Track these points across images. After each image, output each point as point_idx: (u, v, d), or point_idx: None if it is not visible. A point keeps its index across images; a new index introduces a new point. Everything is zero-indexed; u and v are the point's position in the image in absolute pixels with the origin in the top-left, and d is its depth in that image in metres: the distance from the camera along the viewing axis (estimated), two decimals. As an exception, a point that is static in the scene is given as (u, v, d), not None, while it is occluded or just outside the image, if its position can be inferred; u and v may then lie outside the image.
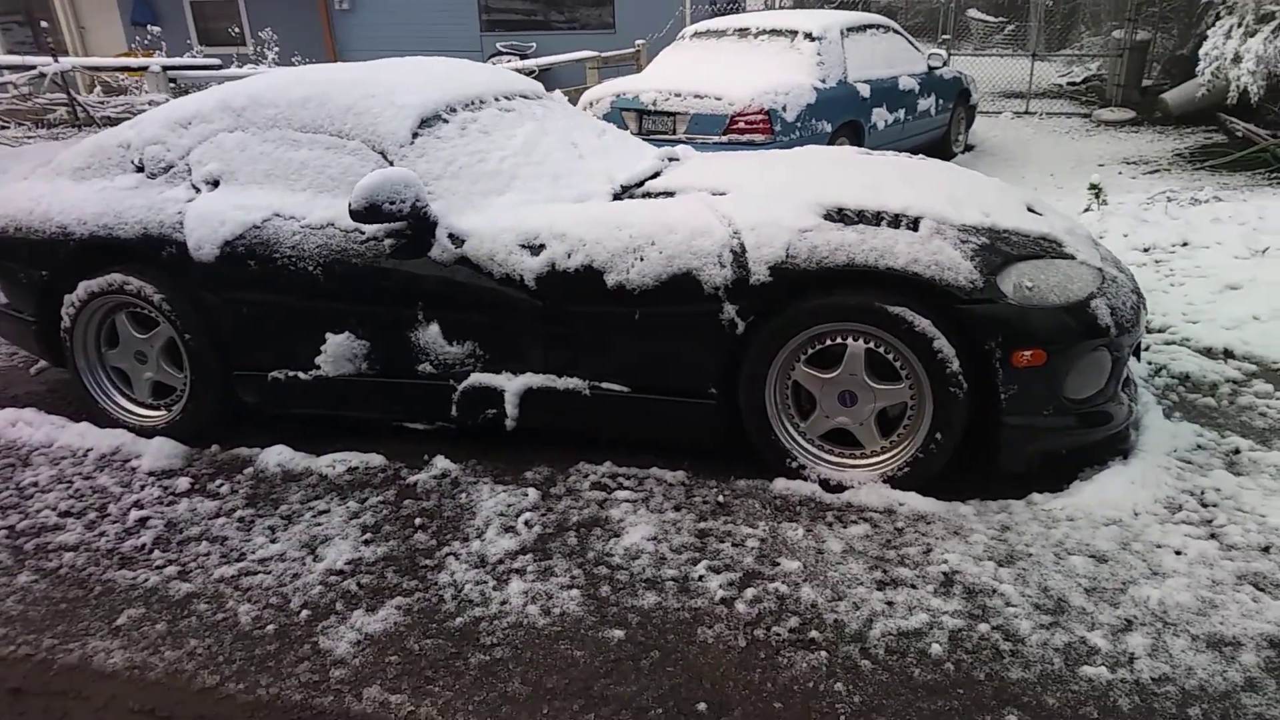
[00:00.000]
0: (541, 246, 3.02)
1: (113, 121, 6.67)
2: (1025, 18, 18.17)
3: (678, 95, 7.08)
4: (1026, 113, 12.60)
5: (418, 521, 2.92)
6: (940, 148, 9.51)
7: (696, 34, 8.38)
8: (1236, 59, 7.04)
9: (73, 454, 3.47)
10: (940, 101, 9.28)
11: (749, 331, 2.87)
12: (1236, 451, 3.13)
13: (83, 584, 2.71)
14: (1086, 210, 6.41)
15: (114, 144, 3.56)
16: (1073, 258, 2.97)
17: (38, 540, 2.95)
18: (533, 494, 3.01)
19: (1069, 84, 15.00)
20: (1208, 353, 3.93)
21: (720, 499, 2.94)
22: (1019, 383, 2.73)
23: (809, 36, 7.67)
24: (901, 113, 8.46)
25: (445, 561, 2.71)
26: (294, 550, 2.81)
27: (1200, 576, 2.44)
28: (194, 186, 3.37)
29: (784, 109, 6.94)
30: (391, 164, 3.21)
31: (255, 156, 3.34)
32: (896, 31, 8.98)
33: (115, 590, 2.67)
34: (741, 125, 6.85)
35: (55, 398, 4.02)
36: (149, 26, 12.55)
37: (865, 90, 7.86)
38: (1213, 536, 2.62)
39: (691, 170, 3.64)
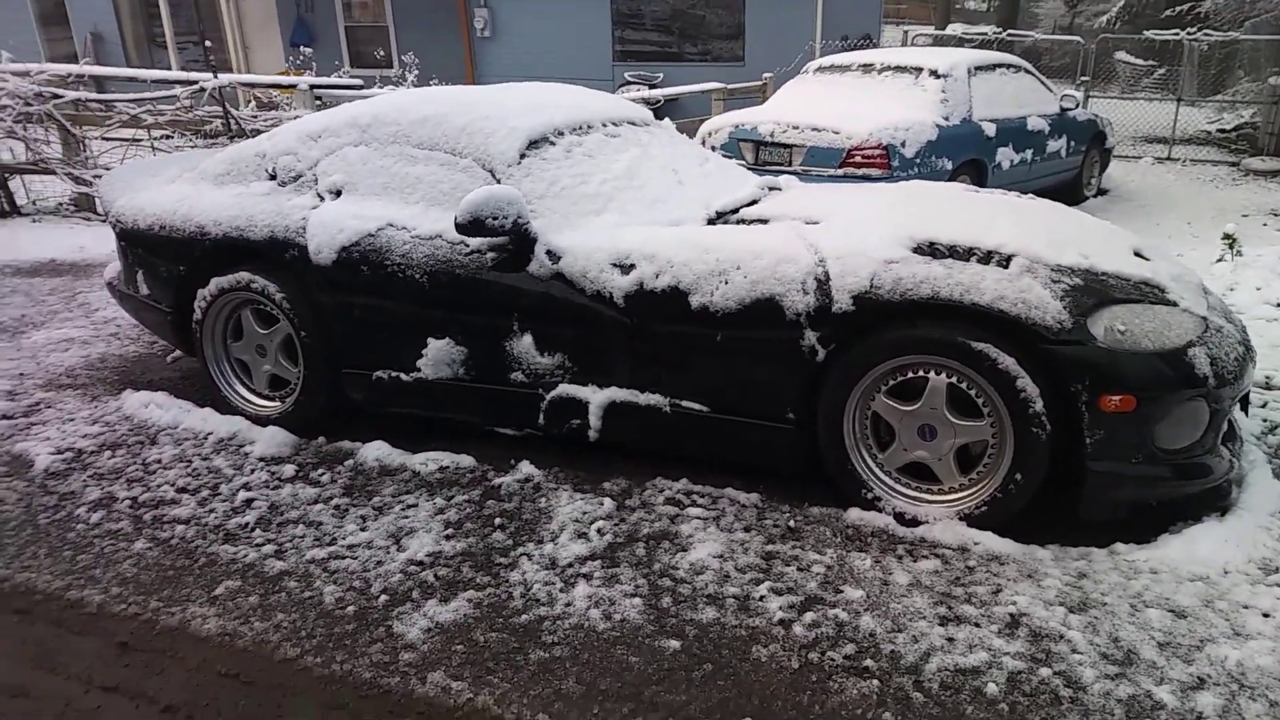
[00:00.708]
0: (632, 266, 3.12)
1: (261, 134, 7.16)
2: (1177, 62, 17.46)
3: (795, 128, 7.12)
4: (1169, 159, 12.08)
5: (498, 521, 3.04)
6: (1071, 191, 9.23)
7: (821, 69, 8.41)
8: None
9: (195, 436, 3.75)
10: (1072, 143, 9.01)
11: (830, 359, 2.90)
12: (1350, 518, 2.95)
13: (190, 554, 2.93)
14: (1219, 261, 6.13)
15: (252, 153, 3.86)
16: (1175, 304, 2.89)
17: (155, 512, 3.20)
18: (608, 503, 3.09)
19: (1219, 131, 14.31)
20: (1330, 412, 3.72)
21: (791, 524, 2.96)
22: (1106, 428, 2.66)
23: (934, 74, 7.60)
24: (1029, 153, 8.25)
25: (518, 561, 2.82)
26: (380, 539, 2.97)
27: (1287, 642, 2.32)
28: (319, 195, 3.61)
29: (903, 145, 6.89)
30: (499, 182, 3.38)
31: (375, 169, 3.56)
32: (1028, 71, 8.79)
33: (217, 563, 2.88)
34: (859, 159, 6.84)
35: (186, 384, 4.34)
36: (302, 48, 13.37)
37: (991, 129, 7.72)
38: (1308, 602, 2.49)
39: (789, 199, 3.69)
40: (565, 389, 3.30)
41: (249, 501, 3.24)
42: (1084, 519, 2.80)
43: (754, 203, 3.71)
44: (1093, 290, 2.79)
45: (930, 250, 2.89)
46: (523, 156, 3.42)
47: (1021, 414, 2.70)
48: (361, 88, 7.71)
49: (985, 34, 16.83)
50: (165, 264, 3.83)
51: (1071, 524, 2.86)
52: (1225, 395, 2.76)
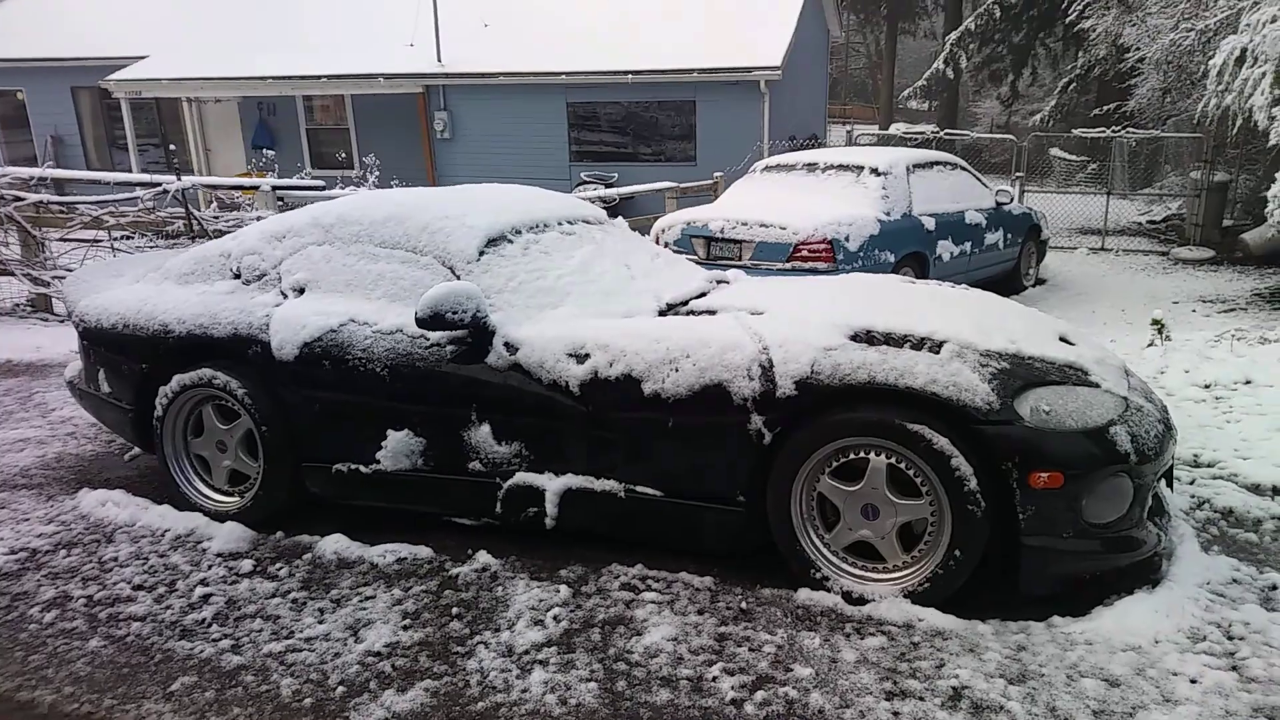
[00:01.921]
0: (586, 355, 3.25)
1: (223, 234, 7.29)
2: (1107, 157, 18.36)
3: (744, 224, 7.41)
4: (1102, 249, 12.63)
5: (455, 611, 3.08)
6: (1010, 281, 9.62)
7: (767, 168, 8.79)
8: (1305, 202, 7.06)
9: (152, 534, 3.76)
10: (1009, 236, 9.43)
11: (776, 442, 3.02)
12: (1274, 588, 3.10)
13: (145, 651, 2.93)
14: (1150, 346, 6.41)
15: (216, 253, 3.97)
16: (1097, 385, 3.07)
17: (111, 610, 3.19)
18: (564, 591, 3.15)
19: (1149, 222, 15.00)
20: (1255, 489, 3.90)
21: (744, 605, 3.03)
22: (1037, 504, 2.81)
23: (875, 171, 7.98)
24: (968, 245, 8.63)
25: (475, 650, 2.86)
26: (338, 631, 3.00)
27: (1214, 706, 2.43)
28: (283, 293, 3.73)
29: (847, 239, 7.19)
30: (459, 278, 3.52)
31: (338, 268, 3.69)
32: (964, 169, 9.25)
33: (173, 659, 2.88)
34: (805, 253, 7.12)
35: (143, 482, 4.35)
36: (264, 150, 13.64)
37: (930, 223, 8.08)
38: (1234, 668, 2.61)
39: (736, 292, 3.87)
40: (522, 477, 3.39)
41: (206, 597, 3.25)
42: (1023, 593, 2.91)
43: (702, 295, 3.88)
44: (1019, 373, 2.97)
45: (867, 338, 3.06)
46: (481, 254, 3.57)
47: (957, 492, 2.83)
48: (323, 189, 7.90)
49: (924, 133, 17.64)
50: (127, 362, 3.90)
51: (1011, 599, 2.97)
52: (1147, 471, 2.92)
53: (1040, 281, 10.39)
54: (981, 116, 39.12)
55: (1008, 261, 9.60)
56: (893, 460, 2.93)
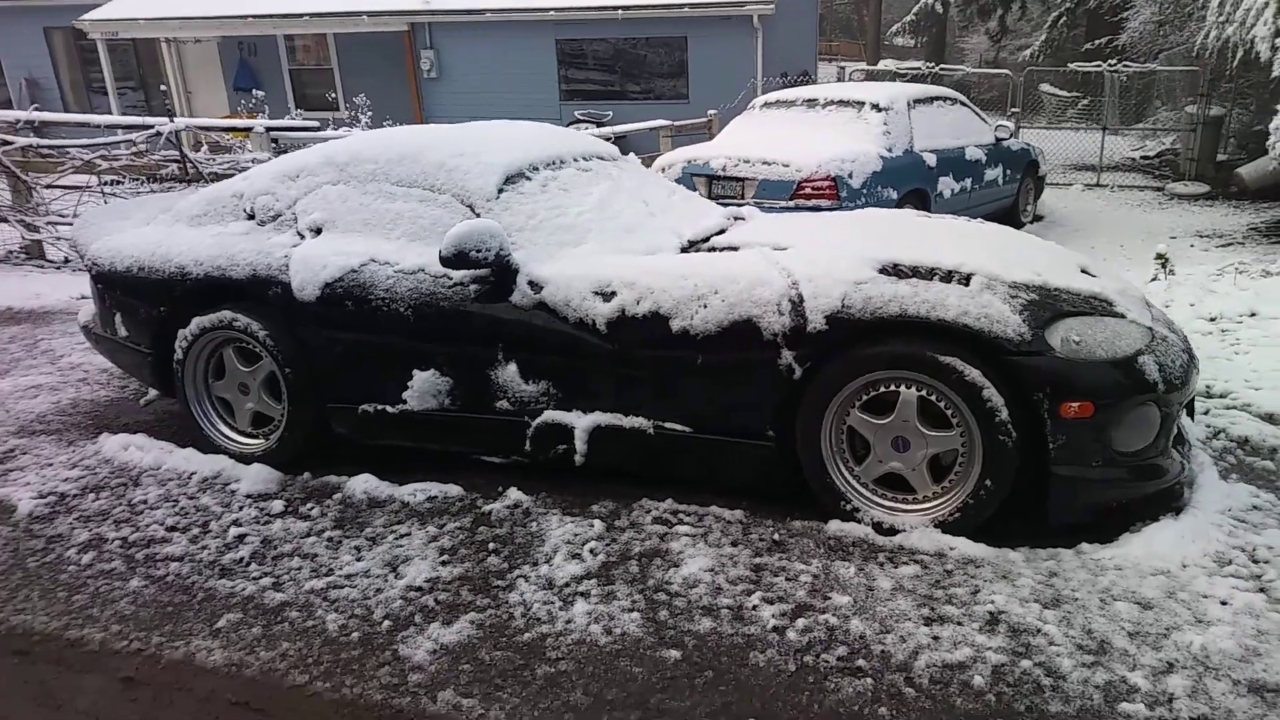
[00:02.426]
0: (613, 293, 3.25)
1: (219, 177, 7.18)
2: (1099, 93, 18.25)
3: (746, 162, 7.35)
4: (1098, 185, 12.63)
5: (491, 546, 3.12)
6: (1009, 217, 9.61)
7: (766, 104, 8.69)
8: (1308, 133, 7.06)
9: (178, 476, 3.77)
10: (1008, 172, 9.41)
11: (806, 377, 3.04)
12: (1292, 512, 3.17)
13: (187, 590, 2.96)
14: (1153, 280, 6.45)
15: (228, 194, 3.92)
16: (1123, 316, 3.09)
17: (148, 551, 3.22)
18: (598, 525, 3.19)
19: (1142, 158, 14.99)
20: (1269, 418, 3.96)
21: (776, 537, 3.08)
22: (1067, 434, 2.85)
23: (876, 107, 7.90)
24: (968, 182, 8.60)
25: (516, 583, 2.90)
26: (377, 568, 3.03)
27: (1245, 626, 2.50)
28: (299, 233, 3.69)
29: (850, 176, 7.15)
30: (478, 216, 3.49)
31: (355, 207, 3.65)
32: (964, 104, 9.18)
33: (216, 597, 2.91)
34: (809, 190, 7.07)
35: (163, 426, 4.34)
36: (254, 91, 13.39)
37: (931, 160, 8.04)
38: (1261, 590, 2.68)
39: (755, 228, 3.86)
40: (551, 415, 3.40)
41: (241, 537, 3.28)
42: (1051, 522, 2.97)
43: (721, 232, 3.87)
44: (1047, 305, 2.99)
45: (894, 271, 3.07)
46: (500, 191, 3.54)
47: (988, 423, 2.86)
48: (317, 129, 7.78)
49: (917, 68, 17.47)
50: (144, 305, 3.87)
51: (1038, 528, 3.02)
52: (1173, 400, 2.96)
53: (1038, 218, 10.39)
54: (969, 52, 38.65)
55: (1007, 198, 9.59)
56: (923, 393, 2.95)
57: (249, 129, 7.44)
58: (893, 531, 3.04)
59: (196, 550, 3.21)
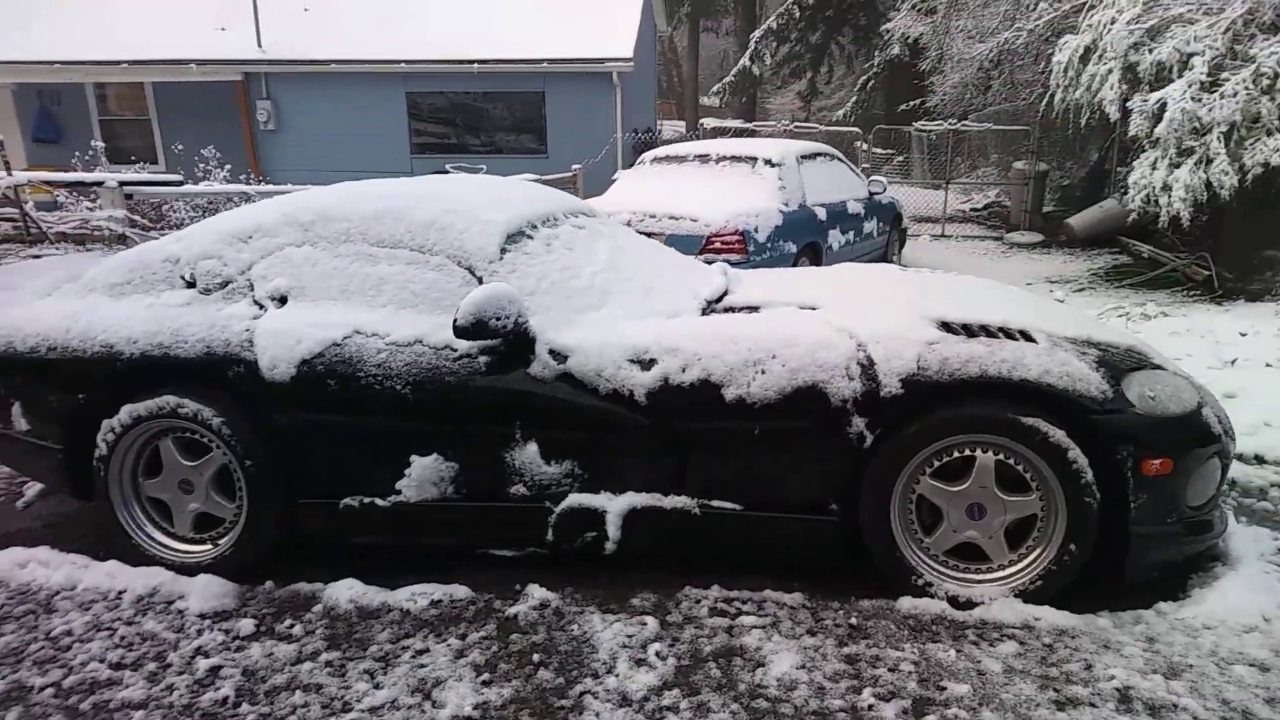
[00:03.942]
0: (653, 361, 2.93)
1: (67, 238, 6.31)
2: (909, 150, 19.49)
3: (653, 216, 7.18)
4: (943, 235, 13.32)
5: (535, 658, 2.69)
6: (881, 268, 9.91)
7: (656, 159, 8.60)
8: (1166, 188, 7.62)
9: (104, 596, 3.10)
10: (880, 224, 9.73)
11: (874, 445, 2.83)
12: (1317, 553, 3.21)
13: (171, 748, 2.37)
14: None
15: (157, 259, 3.33)
16: (1164, 368, 3.06)
17: (96, 699, 2.58)
18: (651, 622, 2.83)
19: (972, 210, 15.98)
20: (1239, 458, 4.08)
21: (853, 621, 2.82)
22: (1148, 491, 2.76)
23: (769, 163, 7.96)
24: (852, 234, 8.80)
25: (583, 701, 2.49)
26: (406, 696, 2.54)
27: (1365, 680, 2.45)
28: (257, 303, 3.17)
29: (756, 230, 7.12)
30: (480, 280, 3.11)
31: (328, 272, 3.17)
32: (840, 159, 9.43)
33: (212, 754, 2.35)
34: (718, 245, 6.97)
35: (58, 535, 3.61)
36: (50, 142, 12.06)
37: (822, 214, 8.16)
38: (1349, 639, 2.65)
39: (759, 286, 3.64)
40: (576, 499, 3.02)
41: (215, 670, 2.70)
42: (1128, 582, 2.87)
43: (726, 291, 3.63)
44: (1109, 360, 2.91)
45: (961, 329, 2.92)
46: (504, 251, 3.17)
47: (1073, 485, 2.74)
48: (180, 184, 7.01)
49: (734, 127, 18.32)
50: (56, 392, 3.20)
51: (1088, 590, 2.89)
52: (1230, 450, 2.94)
53: (904, 268, 10.76)
54: (774, 112, 40.60)
55: (880, 249, 9.90)
56: (999, 456, 2.79)
57: (99, 183, 6.58)
58: (970, 605, 2.85)
59: (162, 693, 2.60)
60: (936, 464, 2.84)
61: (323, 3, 14.65)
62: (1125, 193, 11.55)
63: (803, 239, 7.74)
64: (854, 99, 28.36)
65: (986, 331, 2.92)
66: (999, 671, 2.54)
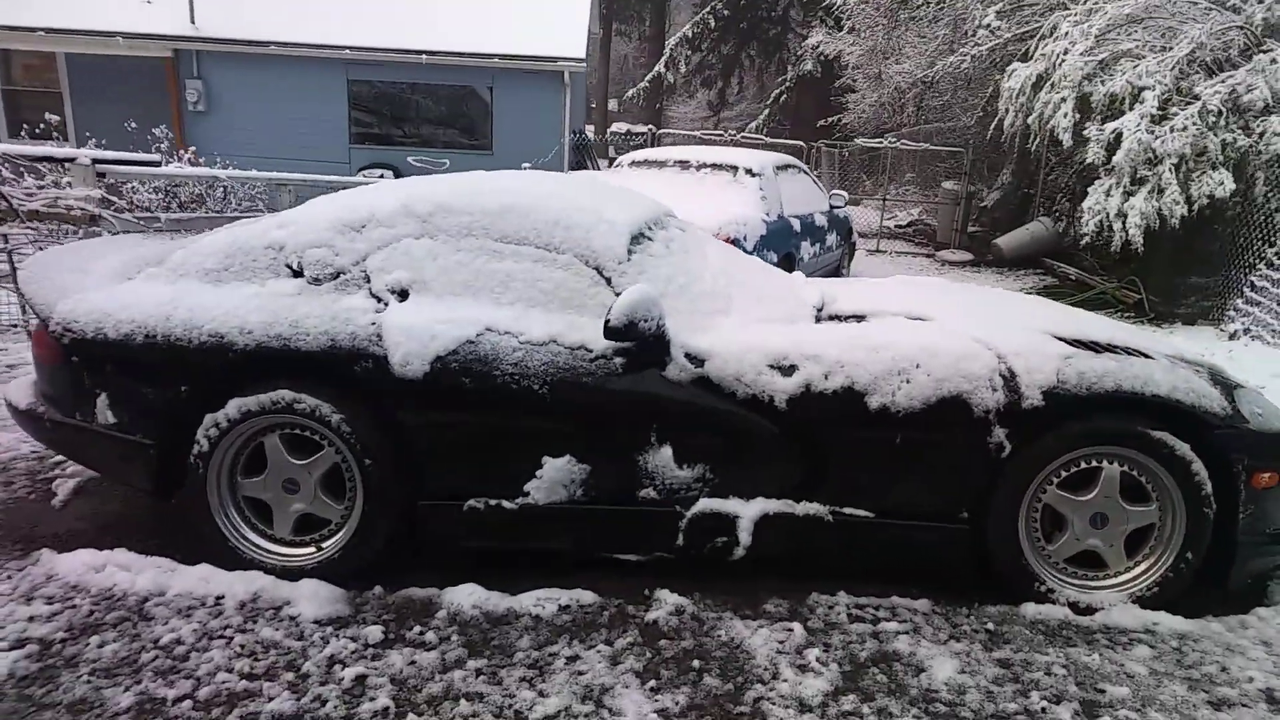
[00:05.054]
0: (793, 367, 2.96)
1: (40, 216, 5.90)
2: (819, 165, 20.04)
3: (645, 220, 7.18)
4: (879, 251, 13.75)
5: (695, 664, 2.68)
6: (834, 278, 10.18)
7: (635, 163, 8.61)
8: (1121, 214, 8.09)
9: (201, 602, 2.93)
10: (838, 237, 9.99)
11: (1010, 455, 2.92)
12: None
13: (354, 762, 2.26)
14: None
15: (259, 245, 3.16)
16: (1242, 385, 3.27)
17: (239, 710, 2.44)
18: (798, 629, 2.85)
19: (896, 226, 16.55)
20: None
21: (988, 627, 2.91)
22: (1255, 503, 2.94)
23: (749, 172, 8.07)
24: (818, 246, 9.02)
25: (760, 707, 2.50)
26: (577, 704, 2.50)
27: None
28: (375, 296, 3.04)
29: (744, 239, 7.20)
30: (609, 280, 3.07)
31: (449, 266, 3.08)
32: (805, 172, 9.64)
33: (400, 767, 2.25)
34: (711, 252, 7.02)
35: (114, 534, 3.37)
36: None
37: (796, 225, 8.35)
38: None
39: (848, 296, 3.71)
40: (708, 504, 3.02)
41: (360, 679, 2.58)
42: (1232, 589, 3.04)
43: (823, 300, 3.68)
44: (1217, 378, 3.09)
45: (1090, 345, 3.05)
46: (630, 253, 3.14)
47: (1194, 496, 2.89)
48: (157, 164, 6.62)
49: (647, 132, 18.71)
50: (153, 384, 2.99)
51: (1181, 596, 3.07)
52: (1309, 462, 3.17)
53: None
54: (676, 120, 41.02)
55: (836, 261, 10.16)
56: (1124, 467, 2.93)
57: (71, 159, 6.15)
58: (1090, 610, 2.98)
59: (312, 704, 2.48)
60: (1064, 474, 2.96)
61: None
62: (1055, 217, 12.22)
63: (782, 249, 7.88)
64: (765, 112, 28.94)
65: (1087, 346, 3.05)
66: (1145, 674, 2.67)
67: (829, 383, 2.94)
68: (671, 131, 24.13)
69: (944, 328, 3.13)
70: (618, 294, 3.05)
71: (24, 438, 4.36)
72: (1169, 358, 3.10)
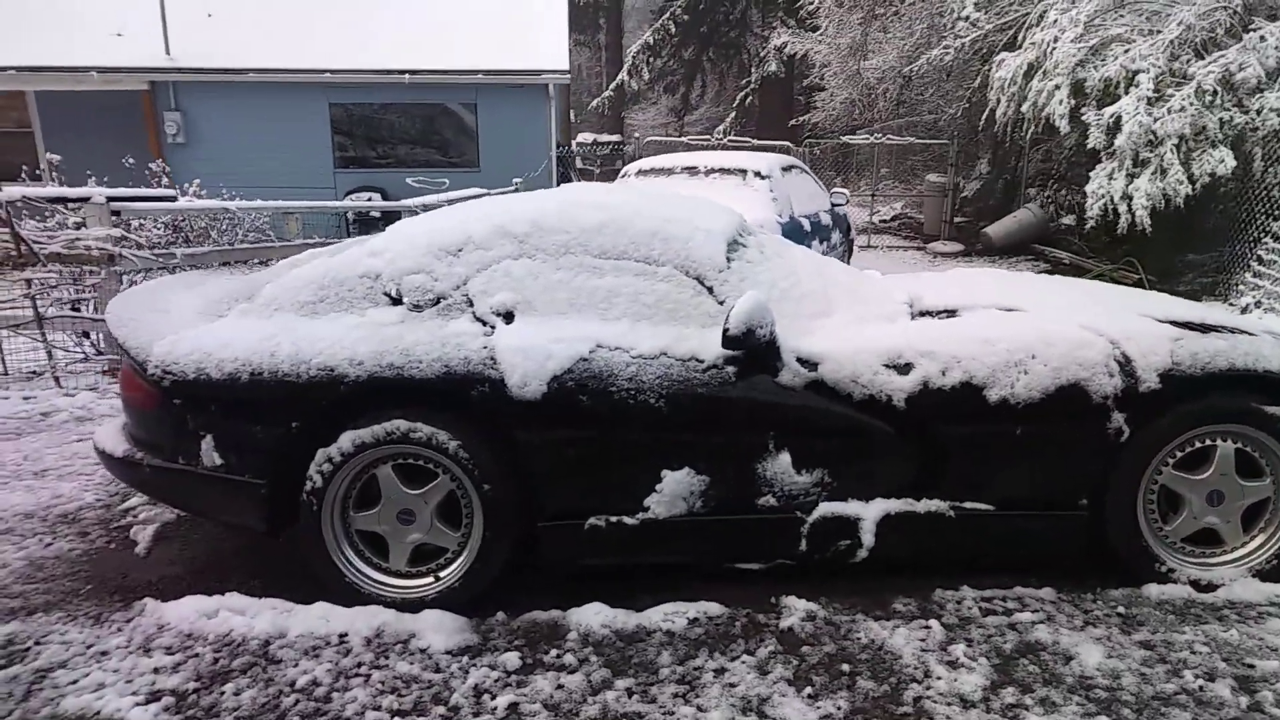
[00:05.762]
0: (909, 365, 2.97)
1: (61, 258, 5.78)
2: (806, 163, 20.10)
3: (666, 227, 7.18)
4: (870, 246, 13.85)
5: (844, 668, 2.67)
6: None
7: (641, 171, 8.61)
8: (1126, 197, 8.21)
9: (326, 641, 2.87)
10: (840, 234, 10.05)
11: (1128, 439, 2.95)
12: None
13: (538, 792, 2.23)
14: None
15: (353, 274, 3.12)
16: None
17: (404, 749, 2.40)
18: (936, 626, 2.85)
19: (881, 221, 16.68)
20: None
21: (1119, 610, 2.93)
22: (1344, 475, 2.99)
23: (759, 175, 8.10)
24: (825, 245, 9.06)
25: (923, 706, 2.49)
26: (739, 715, 2.48)
27: None
28: (479, 319, 3.01)
29: (764, 240, 7.23)
30: (711, 289, 3.07)
31: (551, 284, 3.05)
32: (807, 172, 9.69)
33: (583, 793, 2.22)
34: (733, 255, 7.03)
35: (217, 578, 3.31)
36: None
37: (806, 224, 8.38)
38: None
39: (943, 291, 3.72)
40: (828, 508, 3.01)
41: (513, 707, 2.55)
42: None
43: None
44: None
45: (1194, 325, 3.08)
46: (729, 260, 3.13)
47: (1308, 469, 2.94)
48: (172, 199, 6.52)
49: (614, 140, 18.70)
50: (263, 422, 2.93)
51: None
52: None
53: (857, 276, 11.14)
54: (637, 127, 41.13)
55: (840, 258, 10.21)
56: (1239, 444, 2.97)
57: (85, 199, 6.02)
58: (1210, 587, 3.01)
59: (474, 736, 2.44)
60: (1179, 454, 2.99)
61: (228, 9, 13.89)
62: (1042, 203, 12.37)
63: (796, 249, 7.91)
64: (732, 114, 29.06)
65: (1210, 327, 3.09)
66: (1286, 646, 2.70)
67: (947, 378, 2.94)
68: (658, 139, 24.06)
69: (1044, 317, 3.16)
70: (720, 302, 3.05)
71: (85, 486, 4.28)
72: (1270, 334, 3.14)
